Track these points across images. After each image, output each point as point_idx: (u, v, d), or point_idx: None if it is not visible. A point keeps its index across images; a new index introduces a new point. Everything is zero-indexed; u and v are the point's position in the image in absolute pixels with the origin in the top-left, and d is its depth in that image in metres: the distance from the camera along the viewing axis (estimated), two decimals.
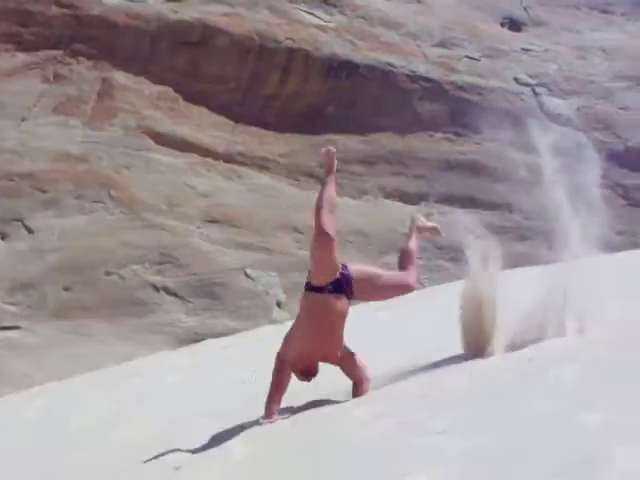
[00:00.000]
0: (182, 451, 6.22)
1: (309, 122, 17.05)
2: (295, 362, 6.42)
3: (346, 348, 6.61)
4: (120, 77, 15.67)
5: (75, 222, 14.54)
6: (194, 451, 6.17)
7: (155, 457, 6.15)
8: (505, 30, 20.46)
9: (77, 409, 10.03)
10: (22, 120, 14.90)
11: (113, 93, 15.53)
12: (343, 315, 6.42)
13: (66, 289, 14.23)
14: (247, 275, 15.20)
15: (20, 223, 14.33)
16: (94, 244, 14.49)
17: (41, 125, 15.00)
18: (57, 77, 15.36)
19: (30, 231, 14.31)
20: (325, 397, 6.82)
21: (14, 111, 14.90)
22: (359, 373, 6.67)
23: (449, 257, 17.39)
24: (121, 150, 15.23)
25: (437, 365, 6.92)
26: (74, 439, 8.39)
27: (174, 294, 14.63)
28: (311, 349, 6.39)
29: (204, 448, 6.21)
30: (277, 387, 6.45)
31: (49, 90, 15.25)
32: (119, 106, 15.48)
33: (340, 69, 17.39)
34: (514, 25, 20.63)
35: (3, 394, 12.65)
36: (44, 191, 14.59)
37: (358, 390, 6.61)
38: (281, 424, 6.26)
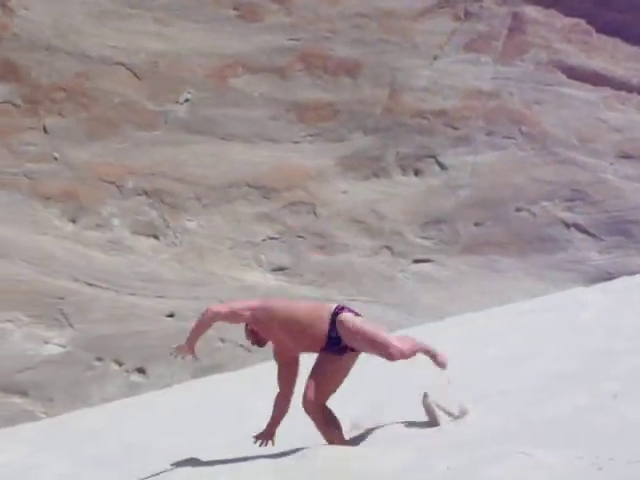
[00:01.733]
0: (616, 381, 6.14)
1: None
2: None
3: None
4: (530, 11, 15.48)
5: (486, 158, 14.67)
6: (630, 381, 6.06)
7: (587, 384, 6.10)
8: None
9: (491, 340, 10.19)
10: (434, 58, 15.20)
11: (524, 28, 15.38)
12: None
13: (477, 224, 14.44)
14: None
15: (433, 159, 14.70)
16: (505, 180, 14.56)
17: (452, 63, 15.22)
18: (467, 14, 15.47)
19: (443, 167, 14.64)
20: None
21: (426, 50, 15.24)
22: None
23: None
24: (532, 85, 15.08)
25: None
26: (488, 367, 8.53)
27: (585, 231, 14.35)
28: None
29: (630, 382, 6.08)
30: None
31: (460, 28, 15.40)
32: (530, 41, 15.31)
33: None
34: None
35: (413, 324, 13.18)
36: (456, 128, 14.83)
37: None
38: None
